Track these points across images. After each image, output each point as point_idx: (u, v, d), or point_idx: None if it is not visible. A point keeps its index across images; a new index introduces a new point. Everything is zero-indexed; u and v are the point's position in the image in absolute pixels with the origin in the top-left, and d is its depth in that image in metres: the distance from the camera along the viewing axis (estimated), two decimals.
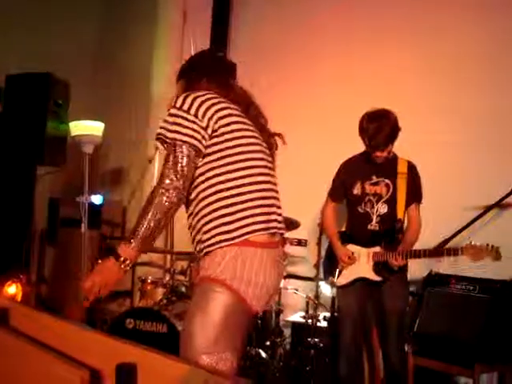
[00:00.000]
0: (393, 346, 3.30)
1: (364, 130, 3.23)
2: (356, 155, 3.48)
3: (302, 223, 3.99)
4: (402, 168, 3.35)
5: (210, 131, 2.03)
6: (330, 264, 3.51)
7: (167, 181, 1.97)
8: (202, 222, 2.06)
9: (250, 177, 2.06)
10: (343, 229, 3.55)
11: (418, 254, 3.22)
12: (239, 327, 2.03)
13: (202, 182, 2.06)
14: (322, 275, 3.83)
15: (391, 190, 3.32)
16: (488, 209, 2.87)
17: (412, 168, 3.39)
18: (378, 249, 3.33)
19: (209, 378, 1.14)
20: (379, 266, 3.31)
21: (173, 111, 2.05)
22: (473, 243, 3.02)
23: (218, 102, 2.08)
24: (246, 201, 2.03)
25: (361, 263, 3.36)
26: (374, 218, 3.33)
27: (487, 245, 3.04)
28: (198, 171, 2.06)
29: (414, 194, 3.36)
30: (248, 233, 2.01)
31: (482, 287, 3.73)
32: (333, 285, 3.54)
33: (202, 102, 2.05)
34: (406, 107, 4.45)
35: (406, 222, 3.43)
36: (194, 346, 1.97)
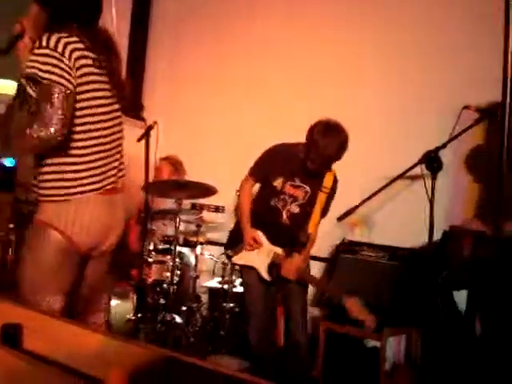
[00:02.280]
0: (297, 324, 3.31)
1: (313, 142, 3.08)
2: (291, 145, 3.31)
3: (219, 190, 3.98)
4: (327, 182, 3.29)
5: (74, 71, 2.12)
6: (235, 237, 3.46)
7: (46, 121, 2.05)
8: (44, 171, 2.22)
9: (93, 139, 2.24)
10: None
11: (310, 281, 3.28)
12: (69, 268, 2.27)
13: None
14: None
15: (308, 197, 3.28)
16: (392, 180, 2.93)
17: (335, 184, 3.34)
18: (280, 251, 3.30)
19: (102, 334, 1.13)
20: (274, 268, 3.28)
21: (43, 51, 2.08)
22: (358, 302, 3.02)
23: (82, 49, 2.16)
24: (88, 161, 2.23)
25: (260, 255, 3.31)
26: (284, 213, 3.29)
27: (368, 310, 2.97)
28: None
29: (325, 210, 3.35)
30: (84, 191, 2.23)
31: (392, 255, 3.88)
32: (229, 259, 3.52)
33: (68, 44, 2.11)
34: (327, 76, 4.54)
35: None
36: (26, 287, 2.20)
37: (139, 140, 3.59)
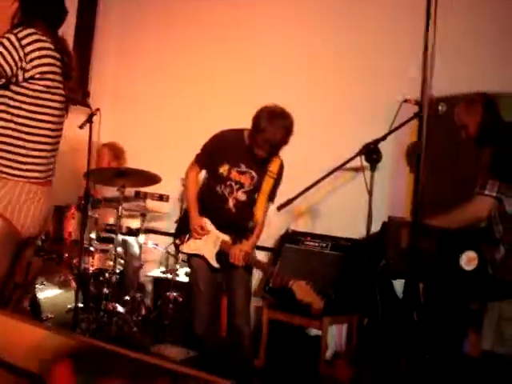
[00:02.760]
0: (240, 314, 3.32)
1: (261, 130, 3.10)
2: (237, 131, 3.32)
3: (163, 178, 3.95)
4: (273, 167, 3.31)
5: (23, 64, 2.29)
6: (183, 226, 3.44)
7: None
8: None
9: (44, 130, 2.42)
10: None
11: (258, 266, 3.30)
12: (9, 255, 2.39)
13: (7, 114, 2.34)
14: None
15: (254, 182, 3.29)
16: (331, 172, 2.95)
17: (281, 169, 3.35)
18: (227, 238, 3.30)
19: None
20: (222, 256, 3.29)
21: (10, 36, 2.29)
22: (305, 285, 3.03)
23: (49, 49, 2.38)
24: (39, 149, 2.41)
25: (208, 243, 3.31)
26: (230, 200, 3.28)
27: (318, 293, 3.03)
28: (8, 103, 2.34)
29: (272, 195, 3.36)
30: (31, 177, 2.38)
31: (335, 245, 3.95)
32: (177, 248, 3.51)
33: (37, 41, 2.33)
34: (273, 63, 4.56)
35: None
36: None
37: (81, 127, 3.53)
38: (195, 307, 3.36)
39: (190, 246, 3.36)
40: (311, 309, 3.10)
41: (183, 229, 3.43)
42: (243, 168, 3.28)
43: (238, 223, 3.32)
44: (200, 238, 3.32)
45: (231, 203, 3.30)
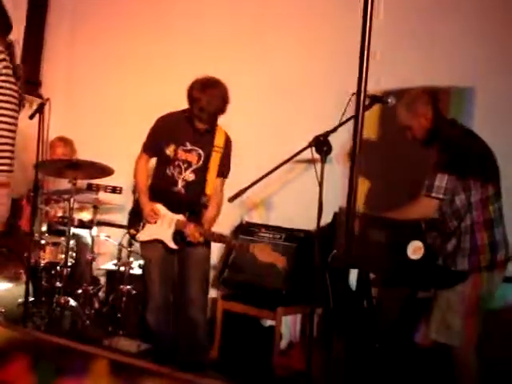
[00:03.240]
0: (194, 303, 3.34)
1: (195, 100, 3.15)
2: (176, 113, 3.38)
3: (116, 170, 3.91)
4: (219, 141, 3.33)
5: None
6: (135, 216, 3.44)
7: None
8: None
9: (5, 131, 2.49)
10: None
11: (214, 238, 3.28)
12: None
13: None
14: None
15: (202, 160, 3.31)
16: (281, 164, 2.94)
17: (228, 142, 3.38)
18: (181, 217, 3.30)
19: None
20: (178, 235, 3.29)
21: None
22: (266, 247, 3.09)
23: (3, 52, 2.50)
24: (5, 150, 2.48)
25: (163, 226, 3.31)
26: (180, 181, 3.30)
27: (278, 253, 3.09)
28: None
29: (223, 170, 3.39)
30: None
31: (288, 236, 3.98)
32: (133, 238, 3.49)
33: None
34: (230, 52, 4.55)
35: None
36: None
37: (31, 117, 3.47)
38: (148, 298, 3.36)
39: (146, 233, 3.36)
40: (277, 268, 3.14)
41: (135, 219, 3.42)
42: (189, 146, 3.32)
43: (190, 203, 3.33)
44: (154, 223, 3.32)
45: (180, 185, 3.32)
